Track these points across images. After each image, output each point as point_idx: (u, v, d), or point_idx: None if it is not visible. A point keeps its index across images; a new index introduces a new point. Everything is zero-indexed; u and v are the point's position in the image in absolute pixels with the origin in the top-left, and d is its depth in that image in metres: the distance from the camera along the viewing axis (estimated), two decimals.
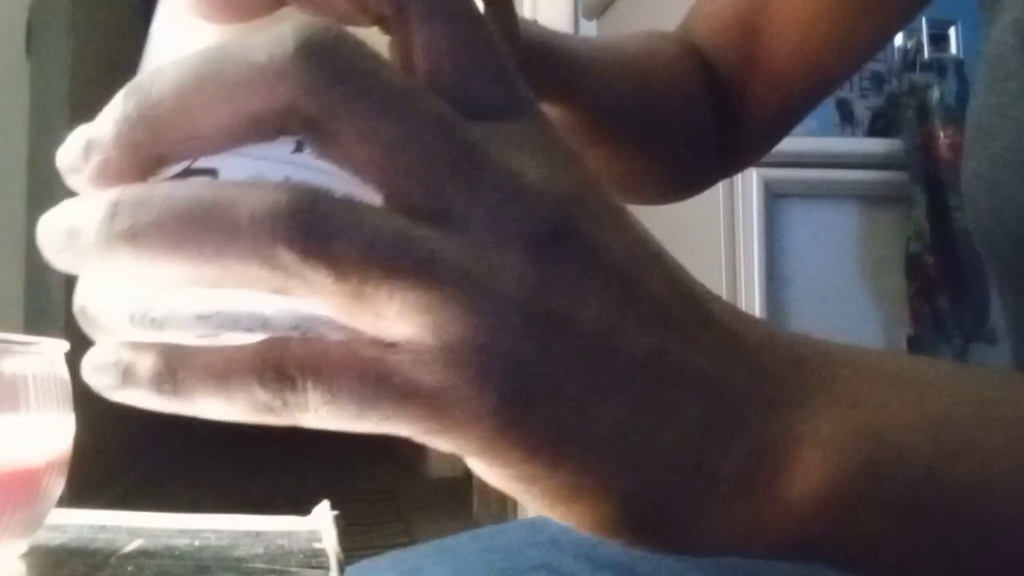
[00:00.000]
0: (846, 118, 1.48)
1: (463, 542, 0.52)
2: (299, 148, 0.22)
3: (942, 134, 1.40)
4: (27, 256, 2.52)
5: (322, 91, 0.21)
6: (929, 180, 1.40)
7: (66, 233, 0.22)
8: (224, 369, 0.22)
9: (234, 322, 0.23)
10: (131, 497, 3.10)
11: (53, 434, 0.32)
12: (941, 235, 1.38)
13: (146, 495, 3.22)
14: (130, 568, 0.30)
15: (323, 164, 0.22)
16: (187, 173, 0.22)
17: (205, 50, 0.22)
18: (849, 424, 0.25)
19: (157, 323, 0.23)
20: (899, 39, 1.50)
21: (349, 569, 0.50)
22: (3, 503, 0.30)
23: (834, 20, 0.52)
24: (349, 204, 0.21)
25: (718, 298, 0.26)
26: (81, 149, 0.22)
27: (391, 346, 0.22)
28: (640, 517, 0.24)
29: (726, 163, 0.58)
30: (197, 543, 0.33)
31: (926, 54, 1.48)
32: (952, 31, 1.48)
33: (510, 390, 0.22)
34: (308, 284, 0.21)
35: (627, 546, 0.25)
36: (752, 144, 0.58)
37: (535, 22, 0.46)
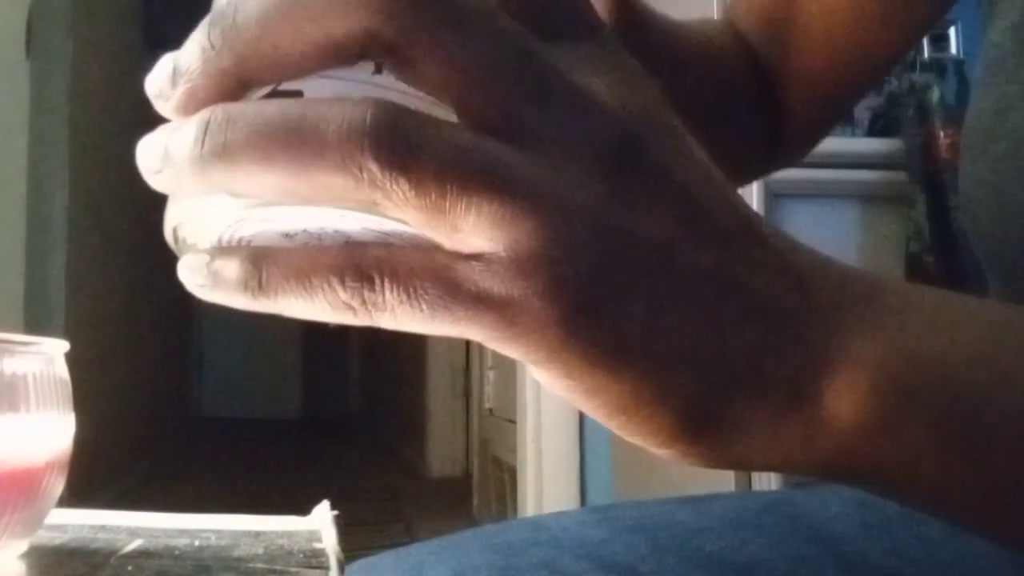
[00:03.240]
0: (846, 118, 1.48)
1: (465, 540, 0.52)
2: (379, 70, 0.23)
3: (942, 134, 1.40)
4: (27, 256, 2.52)
5: (399, 15, 0.22)
6: (929, 180, 1.40)
7: (162, 155, 0.23)
8: (307, 267, 0.23)
9: (318, 240, 0.24)
10: (131, 497, 3.10)
11: (53, 434, 0.32)
12: (941, 235, 1.38)
13: (146, 495, 3.22)
14: (130, 568, 0.30)
15: (402, 85, 0.23)
16: (273, 95, 0.23)
17: None
18: (894, 348, 0.26)
19: (244, 243, 0.25)
20: None
21: (350, 566, 0.50)
22: (3, 503, 0.30)
23: (857, 25, 0.52)
24: (429, 120, 0.22)
25: (773, 226, 0.27)
26: (168, 77, 0.23)
27: (466, 257, 0.23)
28: (695, 428, 0.25)
29: (770, 157, 0.57)
30: (197, 543, 0.33)
31: (926, 54, 1.48)
32: (952, 31, 1.48)
33: (577, 301, 0.23)
34: (391, 196, 0.22)
35: (680, 458, 0.26)
36: (795, 139, 0.57)
37: None
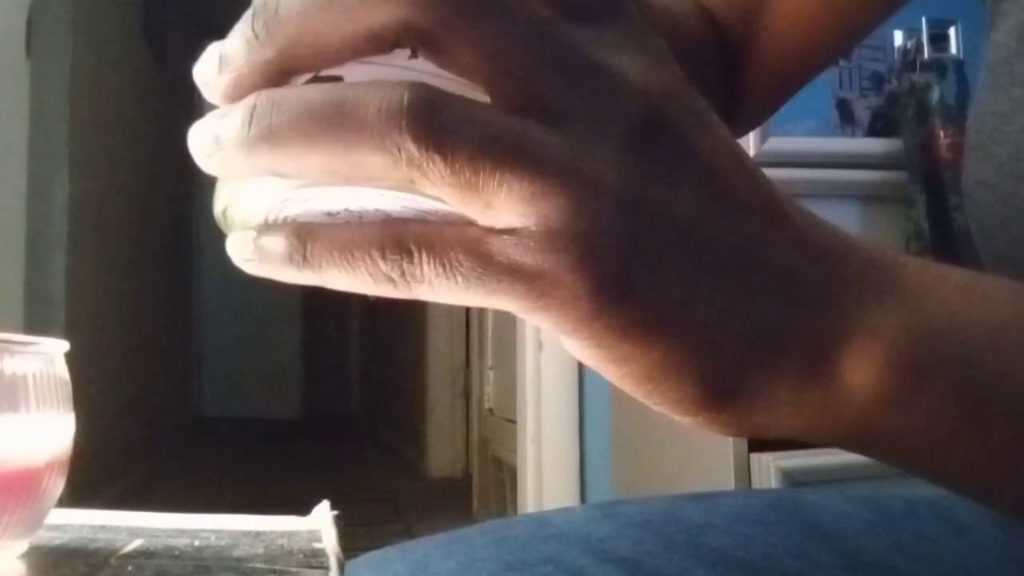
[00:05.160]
0: (846, 118, 1.48)
1: (470, 535, 0.52)
2: (414, 54, 0.24)
3: (942, 134, 1.40)
4: (27, 256, 2.52)
5: (432, 5, 0.23)
6: (929, 180, 1.40)
7: (212, 140, 0.24)
8: (350, 241, 0.24)
9: (360, 218, 0.25)
10: (131, 497, 3.10)
11: (53, 434, 0.32)
12: (941, 235, 1.38)
13: (146, 495, 3.22)
14: (130, 568, 0.29)
15: (436, 68, 0.24)
16: (315, 81, 0.24)
17: None
18: (912, 321, 0.26)
19: (290, 221, 0.26)
20: (899, 39, 1.50)
21: (355, 562, 0.50)
22: (3, 503, 0.30)
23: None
24: (462, 101, 0.23)
25: (795, 201, 0.27)
26: (215, 66, 0.24)
27: (499, 232, 0.24)
28: (719, 397, 0.26)
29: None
30: (197, 543, 0.33)
31: (926, 54, 1.48)
32: (952, 31, 1.48)
33: (606, 274, 0.23)
34: (427, 174, 0.23)
35: (704, 426, 0.27)
36: (748, 114, 0.57)
37: None
